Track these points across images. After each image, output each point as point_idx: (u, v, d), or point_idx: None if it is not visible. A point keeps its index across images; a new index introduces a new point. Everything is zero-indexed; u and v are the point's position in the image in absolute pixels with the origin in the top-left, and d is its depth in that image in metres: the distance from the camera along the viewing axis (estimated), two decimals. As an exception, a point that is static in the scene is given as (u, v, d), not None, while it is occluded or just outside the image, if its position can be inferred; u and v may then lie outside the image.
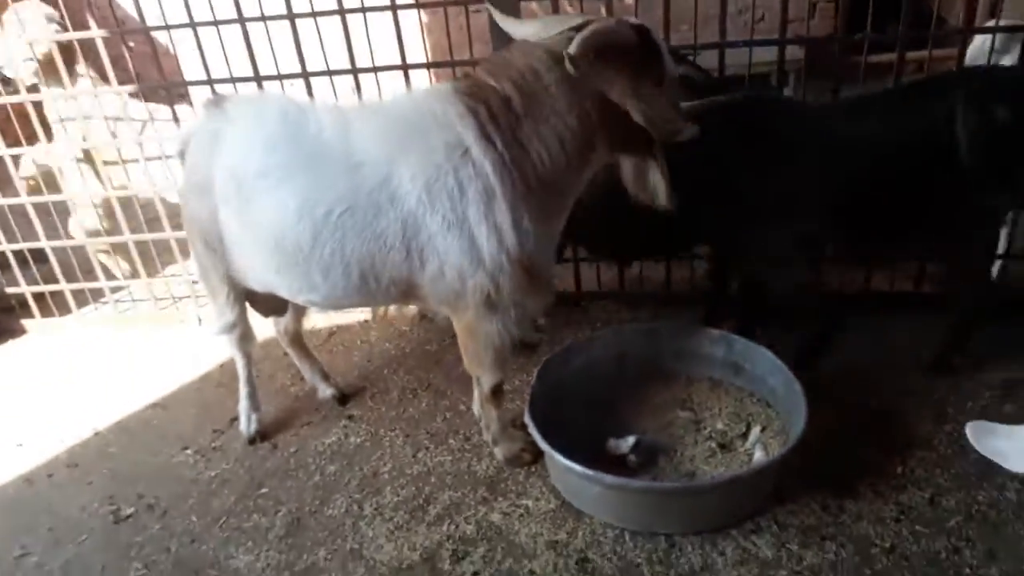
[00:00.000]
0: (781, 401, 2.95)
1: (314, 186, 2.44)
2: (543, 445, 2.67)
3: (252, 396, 3.28)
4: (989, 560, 2.44)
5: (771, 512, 2.64)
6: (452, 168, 2.37)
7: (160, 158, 4.01)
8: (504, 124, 2.36)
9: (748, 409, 3.07)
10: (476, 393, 3.03)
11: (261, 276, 2.71)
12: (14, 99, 3.91)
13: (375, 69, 3.63)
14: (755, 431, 2.91)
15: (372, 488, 2.95)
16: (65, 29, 3.94)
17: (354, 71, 3.62)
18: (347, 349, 3.92)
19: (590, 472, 2.52)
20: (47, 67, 3.98)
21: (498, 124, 2.36)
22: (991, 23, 3.81)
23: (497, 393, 2.86)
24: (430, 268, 2.48)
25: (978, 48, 3.55)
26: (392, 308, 4.08)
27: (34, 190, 4.28)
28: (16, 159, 4.14)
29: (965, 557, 2.46)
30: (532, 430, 2.74)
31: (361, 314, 4.15)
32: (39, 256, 4.43)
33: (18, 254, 4.35)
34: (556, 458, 2.60)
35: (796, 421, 2.71)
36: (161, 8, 3.63)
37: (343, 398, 3.48)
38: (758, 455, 2.81)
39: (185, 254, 4.00)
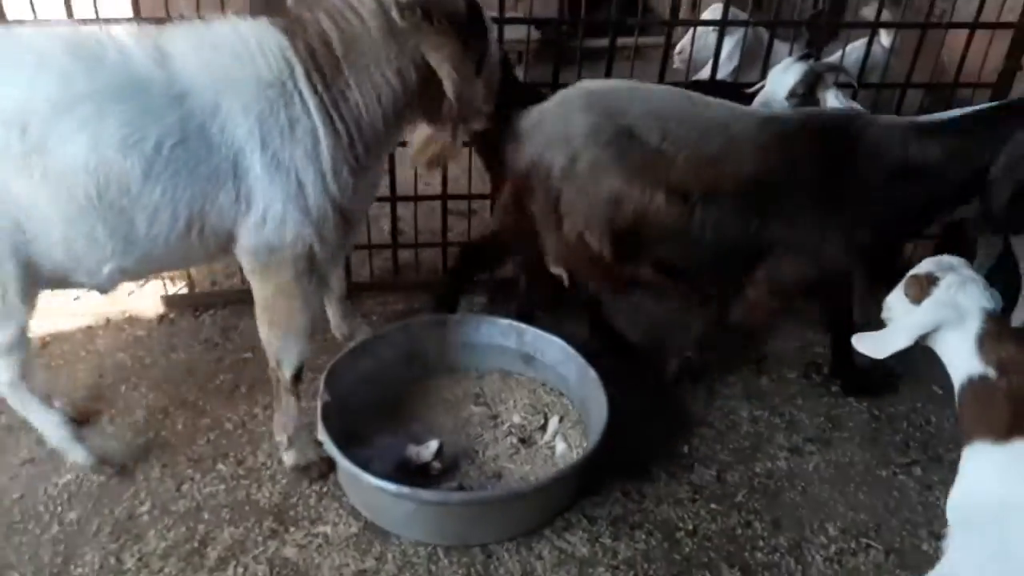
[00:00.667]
0: (574, 390, 2.93)
1: (137, 117, 2.11)
2: (345, 464, 2.38)
3: None
4: (776, 530, 2.60)
5: (579, 506, 2.61)
6: (284, 103, 2.21)
7: None
8: (326, 65, 2.24)
9: (543, 400, 3.00)
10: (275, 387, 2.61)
11: (58, 248, 2.20)
12: None
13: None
14: (553, 422, 2.86)
15: (130, 534, 2.45)
16: None
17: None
18: (69, 362, 3.21)
19: (406, 490, 2.29)
20: None
21: (319, 65, 2.24)
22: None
23: (298, 380, 2.59)
24: (253, 215, 2.27)
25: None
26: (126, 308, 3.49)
27: None
28: None
29: (756, 529, 2.60)
30: (329, 447, 2.43)
31: (84, 318, 3.47)
32: None
33: None
34: (363, 477, 2.33)
35: (593, 409, 2.70)
36: None
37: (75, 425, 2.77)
38: (560, 447, 2.76)
39: None
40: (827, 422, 3.06)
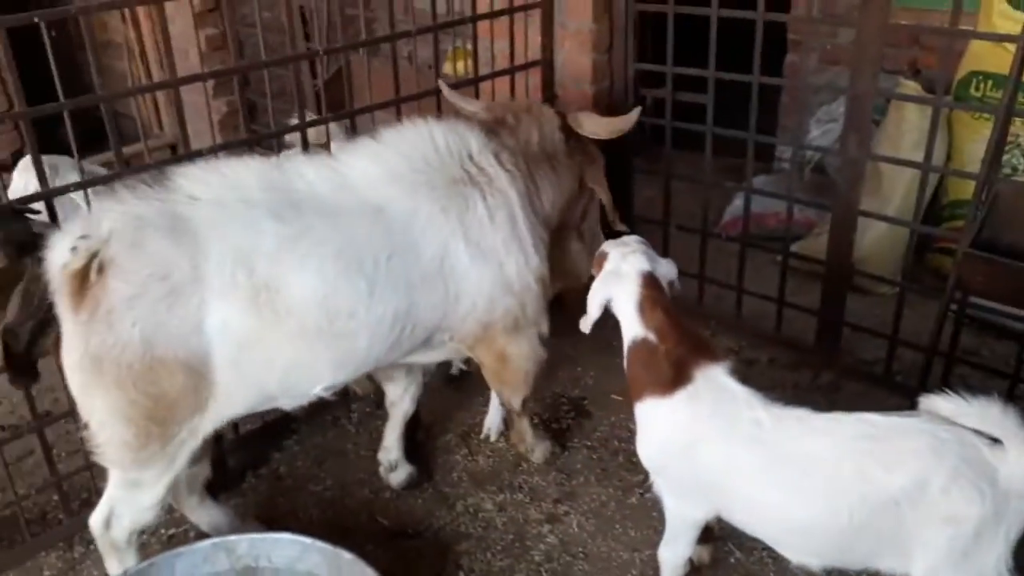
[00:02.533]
0: None
1: (348, 241, 2.18)
2: None
3: None
4: None
5: None
6: (480, 197, 2.42)
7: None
8: (522, 162, 2.57)
9: None
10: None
11: (281, 377, 2.17)
12: None
13: None
14: None
15: None
16: None
17: None
18: None
19: None
20: None
21: (517, 160, 2.56)
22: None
23: (526, 405, 2.88)
24: (463, 304, 2.44)
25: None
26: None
27: None
28: None
29: None
30: None
31: None
32: None
33: None
34: None
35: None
36: None
37: None
38: None
39: None
40: (560, 474, 3.00)
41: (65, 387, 2.15)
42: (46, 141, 2.59)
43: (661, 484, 2.26)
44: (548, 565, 2.64)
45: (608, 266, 2.26)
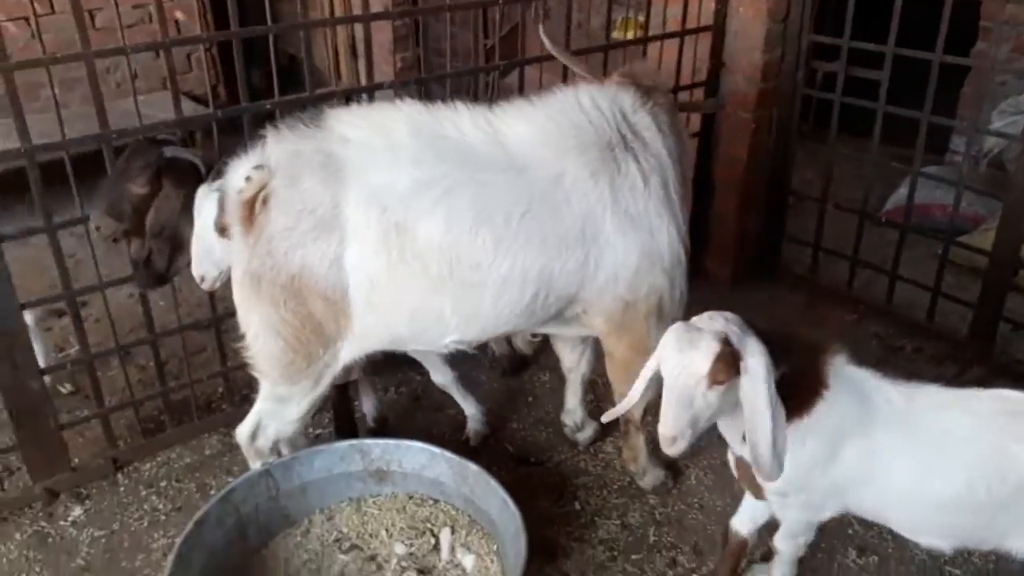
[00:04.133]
0: (453, 490, 2.52)
1: (483, 193, 2.16)
2: None
3: None
4: (699, 557, 2.52)
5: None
6: (633, 159, 2.30)
7: None
8: (671, 117, 2.45)
9: (419, 515, 2.54)
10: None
11: (402, 323, 2.24)
12: None
13: None
14: (445, 536, 2.43)
15: None
16: None
17: None
18: None
19: None
20: None
21: (673, 119, 2.46)
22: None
23: (646, 416, 2.62)
24: (602, 276, 2.30)
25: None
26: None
27: None
28: None
29: (683, 564, 2.49)
30: None
31: None
32: None
33: None
34: None
35: (489, 505, 2.37)
36: None
37: None
38: (468, 561, 2.36)
39: None
40: (684, 430, 3.03)
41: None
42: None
43: (792, 502, 2.07)
44: (662, 510, 2.69)
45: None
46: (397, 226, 2.11)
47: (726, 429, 2.02)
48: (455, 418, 3.11)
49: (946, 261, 3.37)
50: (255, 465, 2.50)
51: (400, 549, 2.44)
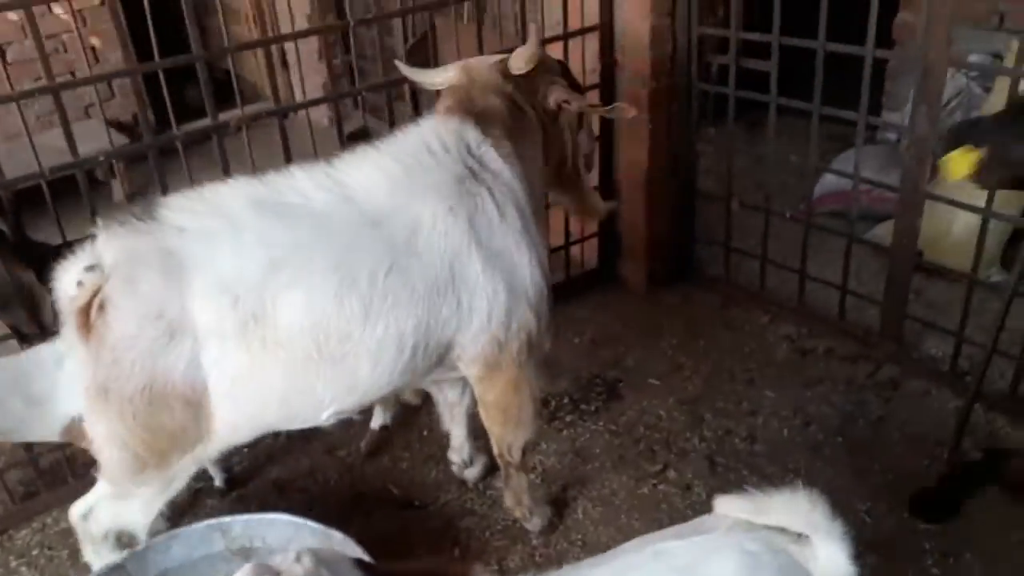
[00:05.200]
0: None
1: (342, 258, 1.99)
2: None
3: None
4: None
5: None
6: (487, 192, 2.17)
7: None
8: (511, 141, 2.26)
9: None
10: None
11: (278, 407, 2.07)
12: None
13: None
14: None
15: None
16: None
17: None
18: None
19: None
20: None
21: (508, 141, 2.26)
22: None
23: (526, 454, 2.50)
24: (477, 317, 2.16)
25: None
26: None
27: None
28: None
29: None
30: None
31: None
32: None
33: None
34: None
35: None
36: None
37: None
38: None
39: None
40: (576, 458, 2.88)
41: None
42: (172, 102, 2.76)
43: None
44: (544, 550, 2.54)
45: None
46: (254, 316, 1.93)
47: None
48: (342, 460, 2.98)
49: (851, 253, 3.18)
50: (86, 548, 2.34)
51: None
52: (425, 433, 3.08)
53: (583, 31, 3.43)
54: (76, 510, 2.32)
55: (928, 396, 2.95)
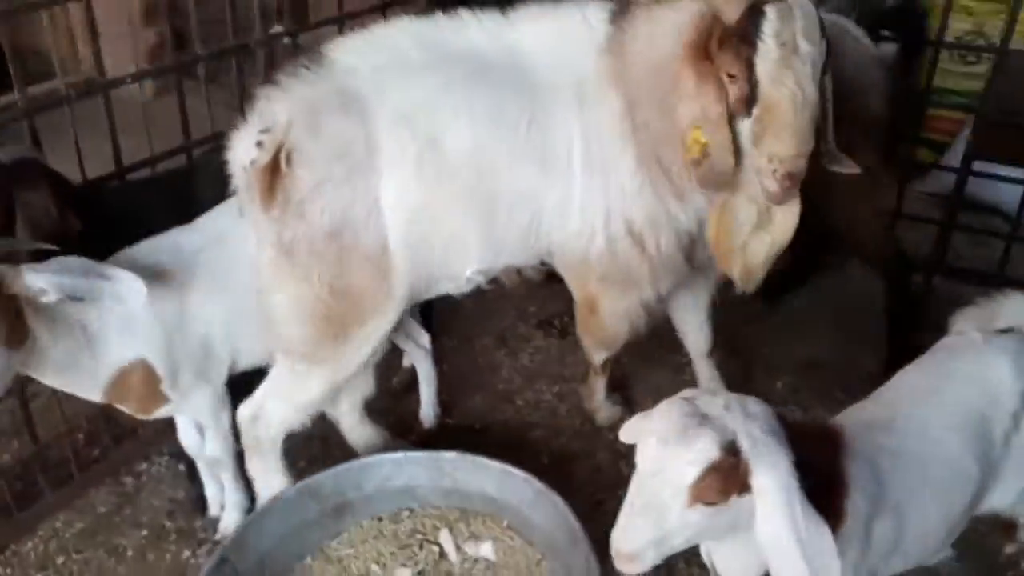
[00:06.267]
0: (427, 492, 2.29)
1: (497, 97, 1.99)
2: None
3: None
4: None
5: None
6: (620, 96, 2.05)
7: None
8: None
9: (401, 532, 2.25)
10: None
11: (442, 252, 2.05)
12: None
13: None
14: (445, 537, 2.21)
15: None
16: None
17: None
18: None
19: None
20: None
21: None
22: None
23: (606, 366, 2.60)
24: (572, 220, 2.14)
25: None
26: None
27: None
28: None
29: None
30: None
31: None
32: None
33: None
34: None
35: (481, 485, 2.23)
36: None
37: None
38: (487, 548, 2.18)
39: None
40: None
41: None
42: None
43: None
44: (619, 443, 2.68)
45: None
46: (429, 141, 1.94)
47: (721, 559, 1.57)
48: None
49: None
50: (253, 464, 2.24)
51: (404, 574, 2.17)
52: (445, 367, 2.99)
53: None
54: (245, 411, 2.18)
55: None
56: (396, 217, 1.96)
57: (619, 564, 1.35)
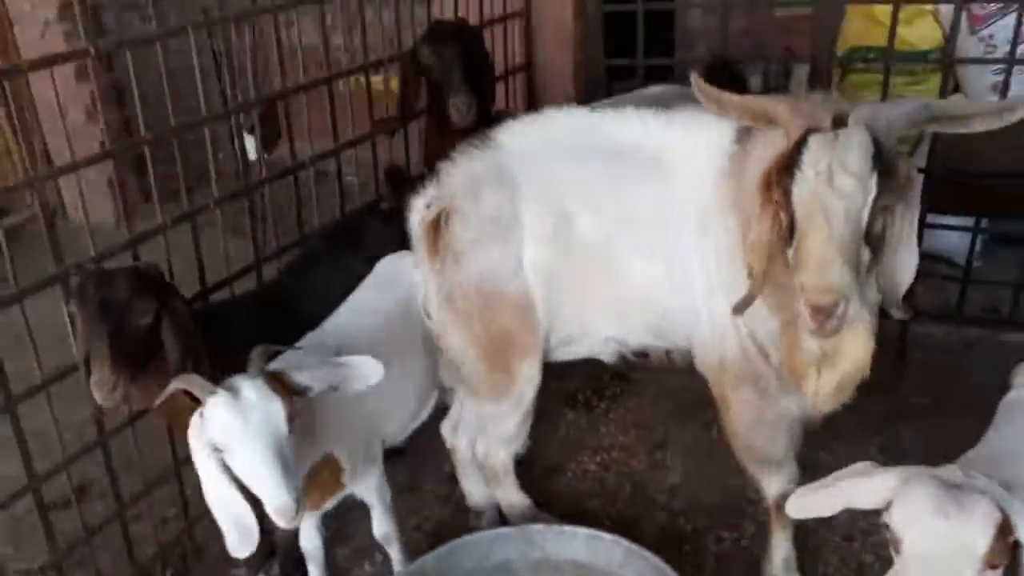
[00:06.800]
0: None
1: (631, 191, 2.21)
2: None
3: None
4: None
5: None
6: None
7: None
8: None
9: None
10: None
11: (576, 313, 2.37)
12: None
13: None
14: None
15: None
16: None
17: None
18: None
19: None
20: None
21: None
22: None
23: (783, 493, 2.25)
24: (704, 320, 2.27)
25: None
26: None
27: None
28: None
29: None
30: None
31: None
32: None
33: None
34: None
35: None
36: None
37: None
38: None
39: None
40: (641, 429, 3.25)
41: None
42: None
43: None
44: (673, 501, 2.91)
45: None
46: (562, 216, 2.24)
47: None
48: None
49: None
50: (494, 487, 2.71)
51: None
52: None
53: (514, 71, 3.84)
54: (479, 449, 2.66)
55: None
56: (536, 275, 2.29)
57: None
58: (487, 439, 2.60)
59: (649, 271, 2.23)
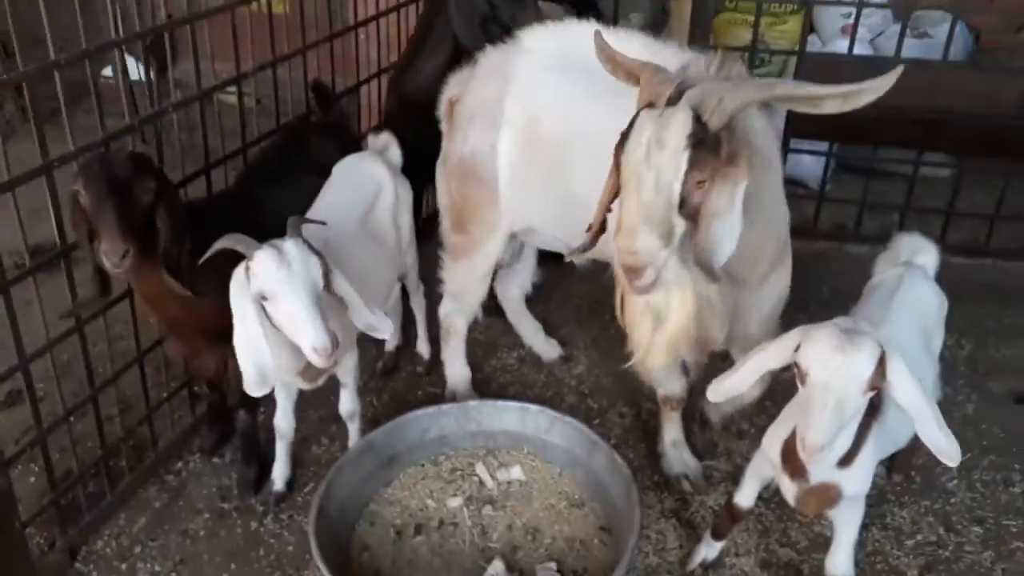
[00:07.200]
0: (457, 439, 2.79)
1: (600, 115, 2.19)
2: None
3: None
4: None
5: None
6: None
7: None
8: None
9: (443, 472, 2.73)
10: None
11: (535, 206, 2.72)
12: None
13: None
14: (480, 469, 2.70)
15: None
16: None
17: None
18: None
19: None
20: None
21: None
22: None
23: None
24: None
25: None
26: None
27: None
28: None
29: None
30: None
31: None
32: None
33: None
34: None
35: (503, 422, 2.78)
36: None
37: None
38: (517, 471, 2.70)
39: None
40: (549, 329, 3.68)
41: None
42: None
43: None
44: (581, 386, 3.33)
45: None
46: (534, 114, 2.53)
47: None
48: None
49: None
50: (446, 350, 3.13)
51: (455, 502, 2.62)
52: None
53: None
54: (441, 310, 3.08)
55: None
56: (503, 164, 2.63)
57: (811, 456, 1.76)
58: (448, 300, 3.01)
59: (590, 185, 2.19)
